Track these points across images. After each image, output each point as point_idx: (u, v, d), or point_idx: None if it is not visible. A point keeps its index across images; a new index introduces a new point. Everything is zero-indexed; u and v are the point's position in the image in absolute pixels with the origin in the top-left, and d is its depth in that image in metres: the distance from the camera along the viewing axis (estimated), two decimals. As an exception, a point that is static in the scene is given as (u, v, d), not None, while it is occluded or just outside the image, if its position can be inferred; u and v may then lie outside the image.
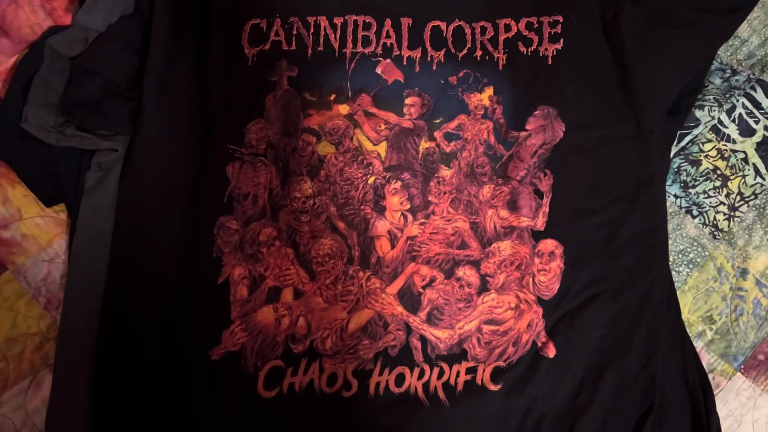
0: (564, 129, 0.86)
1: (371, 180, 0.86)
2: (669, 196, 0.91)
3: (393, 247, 0.84)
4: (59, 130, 0.83)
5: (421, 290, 0.83)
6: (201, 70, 0.88)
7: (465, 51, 0.89)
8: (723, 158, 0.92)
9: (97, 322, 0.81)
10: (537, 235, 0.84)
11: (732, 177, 0.91)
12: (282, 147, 0.85)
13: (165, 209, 0.83)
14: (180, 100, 0.86)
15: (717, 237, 0.90)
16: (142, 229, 0.83)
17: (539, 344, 0.82)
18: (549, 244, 0.84)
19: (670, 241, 0.88)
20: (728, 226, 0.90)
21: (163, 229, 0.83)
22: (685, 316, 0.87)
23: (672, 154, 0.91)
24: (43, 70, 0.84)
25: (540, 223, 0.85)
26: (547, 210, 0.85)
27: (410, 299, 0.82)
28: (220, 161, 0.84)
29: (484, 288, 0.83)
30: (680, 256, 0.90)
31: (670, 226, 0.89)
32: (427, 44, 0.89)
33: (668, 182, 0.91)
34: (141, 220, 0.83)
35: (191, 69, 0.88)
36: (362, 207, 0.85)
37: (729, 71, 0.95)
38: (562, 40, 0.89)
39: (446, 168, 0.86)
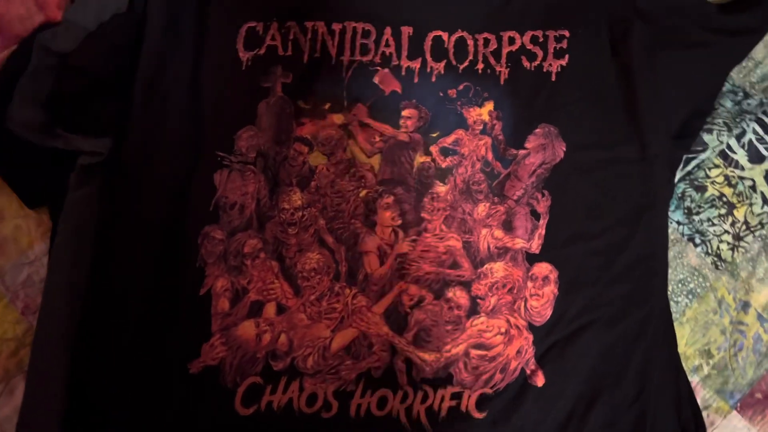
0: (565, 149, 0.84)
1: (363, 193, 0.83)
2: (671, 223, 0.88)
3: (382, 263, 0.81)
4: (44, 130, 0.81)
5: (408, 310, 0.80)
6: (194, 73, 0.85)
7: (466, 63, 0.86)
8: (730, 185, 0.89)
9: (74, 328, 0.79)
10: (531, 258, 0.81)
11: (738, 205, 0.89)
12: (272, 156, 0.83)
13: (149, 215, 0.81)
14: (170, 103, 0.84)
15: (719, 267, 0.87)
16: (124, 235, 0.81)
17: (528, 372, 0.79)
18: (543, 268, 0.81)
19: (670, 270, 0.85)
20: (732, 256, 0.88)
21: (146, 235, 0.81)
22: (681, 348, 0.84)
23: (677, 179, 0.88)
24: (32, 67, 0.82)
25: (535, 246, 0.82)
26: (543, 232, 0.82)
27: (397, 319, 0.80)
28: (208, 168, 0.82)
29: (474, 311, 0.80)
30: (680, 285, 0.87)
31: (670, 254, 0.86)
32: (428, 55, 0.86)
33: (671, 208, 0.88)
34: (124, 225, 0.81)
35: (183, 71, 0.85)
36: (352, 221, 0.82)
37: (741, 94, 0.92)
38: (567, 56, 0.86)
39: (441, 184, 0.84)
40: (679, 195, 0.89)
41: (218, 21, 0.87)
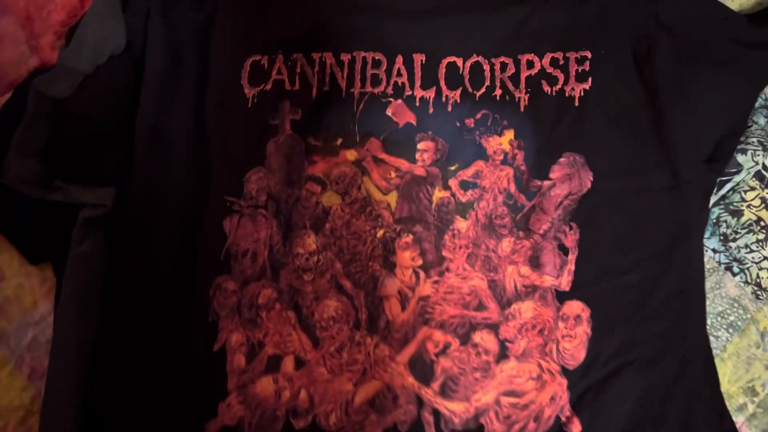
0: (592, 178, 0.80)
1: (380, 233, 0.79)
2: (707, 251, 0.83)
3: (404, 308, 0.78)
4: (43, 182, 0.77)
5: (434, 358, 0.76)
6: (197, 114, 0.82)
7: (483, 90, 0.83)
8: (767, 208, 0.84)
9: (84, 390, 0.75)
10: (561, 296, 0.78)
11: (777, 229, 0.84)
12: (284, 198, 0.80)
13: (157, 268, 0.78)
14: (174, 148, 0.81)
15: (760, 297, 0.83)
16: (131, 290, 0.78)
17: (563, 419, 0.75)
18: (575, 307, 0.77)
19: (707, 302, 0.80)
20: (773, 284, 0.83)
21: (155, 289, 0.77)
22: (724, 387, 0.80)
23: (711, 204, 0.83)
24: (28, 115, 0.78)
25: (565, 283, 0.78)
26: (573, 268, 0.78)
27: (422, 368, 0.76)
28: (217, 215, 0.79)
29: (503, 355, 0.76)
30: (719, 318, 0.82)
31: (707, 285, 0.81)
32: (442, 83, 0.83)
33: (706, 235, 0.83)
34: (131, 279, 0.78)
35: (187, 113, 0.82)
36: (370, 263, 0.78)
37: (775, 109, 0.87)
38: (590, 79, 0.82)
39: (462, 219, 0.80)
40: (714, 221, 0.84)
41: (221, 56, 0.83)
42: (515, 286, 0.78)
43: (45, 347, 0.78)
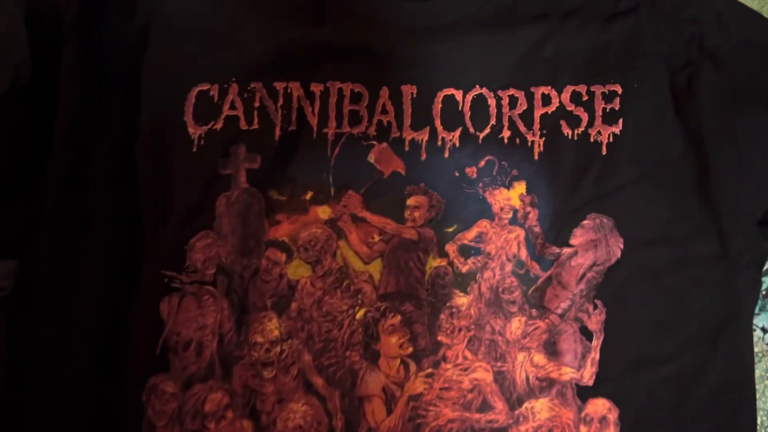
0: (622, 246, 0.69)
1: (360, 314, 0.67)
2: (755, 330, 0.73)
3: (390, 411, 0.65)
4: None
5: (428, 476, 0.64)
6: (124, 162, 0.68)
7: (488, 130, 0.70)
8: (827, 278, 0.73)
9: None
10: (584, 393, 0.66)
11: (838, 303, 0.73)
12: (238, 271, 0.67)
13: (72, 365, 0.64)
14: (93, 209, 0.66)
15: (820, 389, 0.71)
16: (41, 394, 0.64)
17: None
18: (600, 406, 0.66)
19: (757, 394, 0.71)
20: (833, 371, 0.72)
21: (72, 392, 0.64)
22: (778, 502, 0.68)
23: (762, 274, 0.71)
24: None
25: (588, 376, 0.67)
26: (598, 357, 0.67)
27: (414, 491, 0.64)
28: (152, 295, 0.66)
29: (513, 469, 0.65)
30: (771, 416, 0.71)
31: (757, 372, 0.70)
32: (437, 121, 0.70)
33: (755, 311, 0.71)
34: (39, 380, 0.64)
35: (111, 159, 0.67)
36: (348, 353, 0.66)
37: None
38: (621, 121, 0.70)
39: (462, 294, 0.68)
40: (764, 293, 0.73)
41: (157, 84, 0.69)
42: (527, 380, 0.67)
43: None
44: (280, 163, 0.68)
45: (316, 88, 0.69)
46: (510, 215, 0.69)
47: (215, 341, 0.65)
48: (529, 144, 0.70)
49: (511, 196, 0.69)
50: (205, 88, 0.69)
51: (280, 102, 0.69)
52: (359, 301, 0.67)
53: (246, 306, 0.66)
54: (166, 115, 0.68)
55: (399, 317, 0.67)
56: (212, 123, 0.68)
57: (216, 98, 0.69)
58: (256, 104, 0.69)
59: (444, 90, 0.70)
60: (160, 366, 0.64)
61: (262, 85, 0.69)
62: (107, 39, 0.68)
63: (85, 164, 0.66)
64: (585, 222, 0.69)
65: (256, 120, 0.69)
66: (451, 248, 0.69)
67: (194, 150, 0.68)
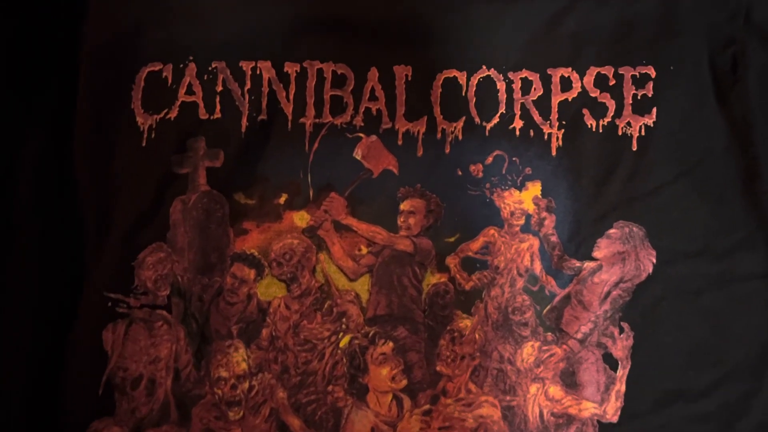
0: (654, 260, 0.64)
1: (345, 341, 0.63)
2: None
3: None
4: None
5: None
6: (59, 158, 0.63)
7: (496, 119, 0.65)
8: None
9: None
10: (607, 431, 0.63)
11: None
12: (197, 292, 0.62)
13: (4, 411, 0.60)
14: (19, 220, 0.62)
15: None
16: None
17: None
18: None
19: None
20: None
21: None
22: None
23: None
24: None
25: (612, 411, 0.62)
26: (624, 390, 0.63)
27: None
28: (93, 322, 0.61)
29: None
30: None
31: None
32: (436, 109, 0.65)
33: None
34: None
35: (42, 156, 0.63)
36: (330, 388, 0.62)
37: None
38: (654, 110, 0.65)
39: (465, 316, 0.64)
40: None
41: (97, 63, 0.63)
42: (541, 416, 0.63)
43: None
44: (247, 160, 0.63)
45: (291, 68, 0.64)
46: (522, 222, 0.65)
47: (170, 377, 0.60)
48: (546, 137, 0.65)
49: (524, 199, 0.65)
50: (157, 68, 0.63)
51: (248, 85, 0.64)
52: (343, 326, 0.63)
53: (207, 334, 0.62)
54: (108, 101, 0.63)
55: (391, 344, 0.63)
56: (165, 111, 0.63)
57: (170, 81, 0.63)
58: (219, 88, 0.64)
59: (445, 71, 0.65)
60: (104, 408, 0.60)
61: (225, 65, 0.64)
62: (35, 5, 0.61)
63: (10, 160, 0.61)
64: (611, 231, 0.65)
65: (218, 107, 0.64)
66: (452, 261, 0.65)
67: (143, 144, 0.63)
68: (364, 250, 0.65)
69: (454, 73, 0.65)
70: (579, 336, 0.64)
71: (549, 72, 0.65)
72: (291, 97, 0.64)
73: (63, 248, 0.62)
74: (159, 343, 0.61)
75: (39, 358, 0.60)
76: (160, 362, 0.61)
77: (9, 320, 0.58)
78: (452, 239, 0.65)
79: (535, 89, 0.65)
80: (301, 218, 0.64)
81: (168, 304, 0.62)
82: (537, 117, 0.66)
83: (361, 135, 0.65)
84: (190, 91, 0.65)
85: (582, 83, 0.65)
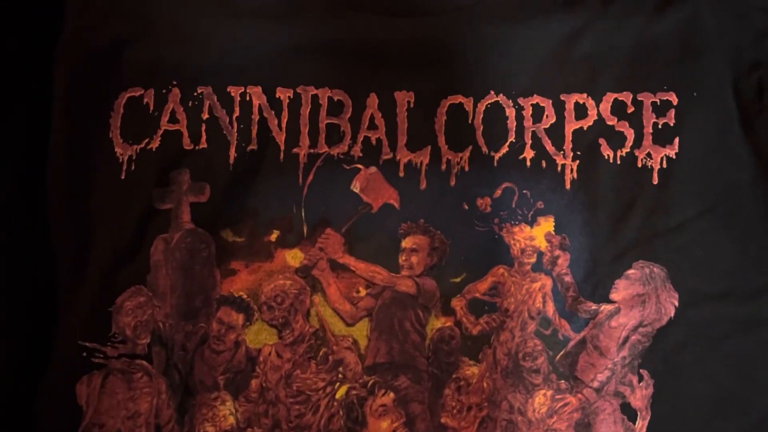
0: (677, 303, 0.61)
1: (342, 392, 0.60)
2: None
3: None
4: None
5: None
6: (29, 197, 0.60)
7: (505, 149, 0.62)
8: None
9: None
10: None
11: None
12: (180, 341, 0.59)
13: None
14: None
15: None
16: None
17: None
18: None
19: None
20: None
21: None
22: None
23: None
24: None
25: None
26: None
27: None
28: (66, 374, 0.58)
29: None
30: None
31: None
32: (441, 139, 0.62)
33: None
34: None
35: (9, 188, 0.60)
36: None
37: None
38: (677, 141, 0.61)
39: (472, 363, 0.61)
40: None
41: (74, 89, 0.61)
42: None
43: None
44: (236, 194, 0.60)
45: (284, 94, 0.61)
46: (533, 260, 0.62)
47: (151, 435, 0.55)
48: (559, 168, 0.62)
49: (536, 235, 0.62)
50: (138, 93, 0.60)
51: (236, 113, 0.61)
52: (340, 376, 0.60)
53: (191, 386, 0.58)
54: (85, 130, 0.60)
55: (392, 395, 0.60)
56: (146, 141, 0.60)
57: (152, 107, 0.60)
58: (205, 116, 0.61)
59: (450, 97, 0.63)
60: (76, 470, 0.53)
61: (212, 90, 0.61)
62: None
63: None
64: (630, 272, 0.61)
65: (204, 137, 0.61)
66: (458, 304, 0.62)
67: (122, 177, 0.60)
68: (363, 292, 0.62)
69: (459, 99, 0.63)
70: (595, 384, 0.60)
71: (562, 98, 0.63)
72: (283, 125, 0.62)
73: (34, 292, 0.58)
74: (138, 396, 0.57)
75: (7, 413, 0.55)
76: (140, 417, 0.57)
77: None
78: (458, 279, 0.62)
79: (547, 116, 0.62)
80: (294, 257, 0.61)
81: (148, 353, 0.58)
82: (549, 147, 0.63)
83: (360, 166, 0.62)
84: (173, 119, 0.62)
85: (598, 110, 0.62)
